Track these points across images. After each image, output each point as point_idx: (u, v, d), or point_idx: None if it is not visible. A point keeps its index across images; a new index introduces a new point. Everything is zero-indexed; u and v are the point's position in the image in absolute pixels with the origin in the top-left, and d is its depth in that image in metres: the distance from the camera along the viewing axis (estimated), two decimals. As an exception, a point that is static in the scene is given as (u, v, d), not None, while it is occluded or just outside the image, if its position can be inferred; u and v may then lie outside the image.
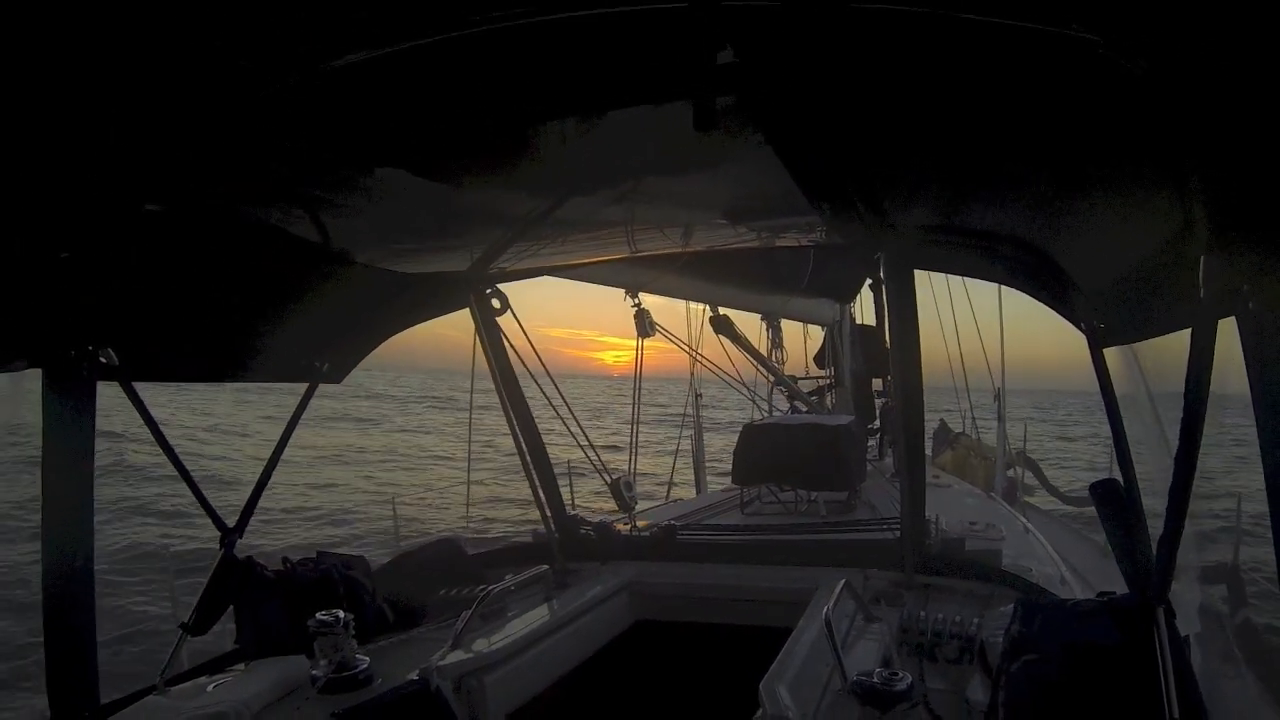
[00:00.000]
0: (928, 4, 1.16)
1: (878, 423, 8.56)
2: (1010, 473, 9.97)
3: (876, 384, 8.99)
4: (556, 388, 4.42)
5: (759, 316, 8.94)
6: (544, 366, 4.30)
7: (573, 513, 4.43)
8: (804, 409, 8.59)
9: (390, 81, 1.54)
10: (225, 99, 1.56)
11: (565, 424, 4.43)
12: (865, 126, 1.75)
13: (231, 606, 2.95)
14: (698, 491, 8.95)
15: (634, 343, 6.10)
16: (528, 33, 1.33)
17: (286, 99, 1.55)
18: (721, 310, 7.46)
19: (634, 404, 6.21)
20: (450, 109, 1.78)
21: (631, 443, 5.69)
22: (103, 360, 2.50)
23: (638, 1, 1.21)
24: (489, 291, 3.92)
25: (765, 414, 8.47)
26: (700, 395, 9.37)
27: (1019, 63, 1.28)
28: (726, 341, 7.58)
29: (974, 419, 11.34)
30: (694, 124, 1.19)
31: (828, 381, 8.94)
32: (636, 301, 5.43)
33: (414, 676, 2.63)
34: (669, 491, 9.32)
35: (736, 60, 1.27)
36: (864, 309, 9.24)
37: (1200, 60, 1.11)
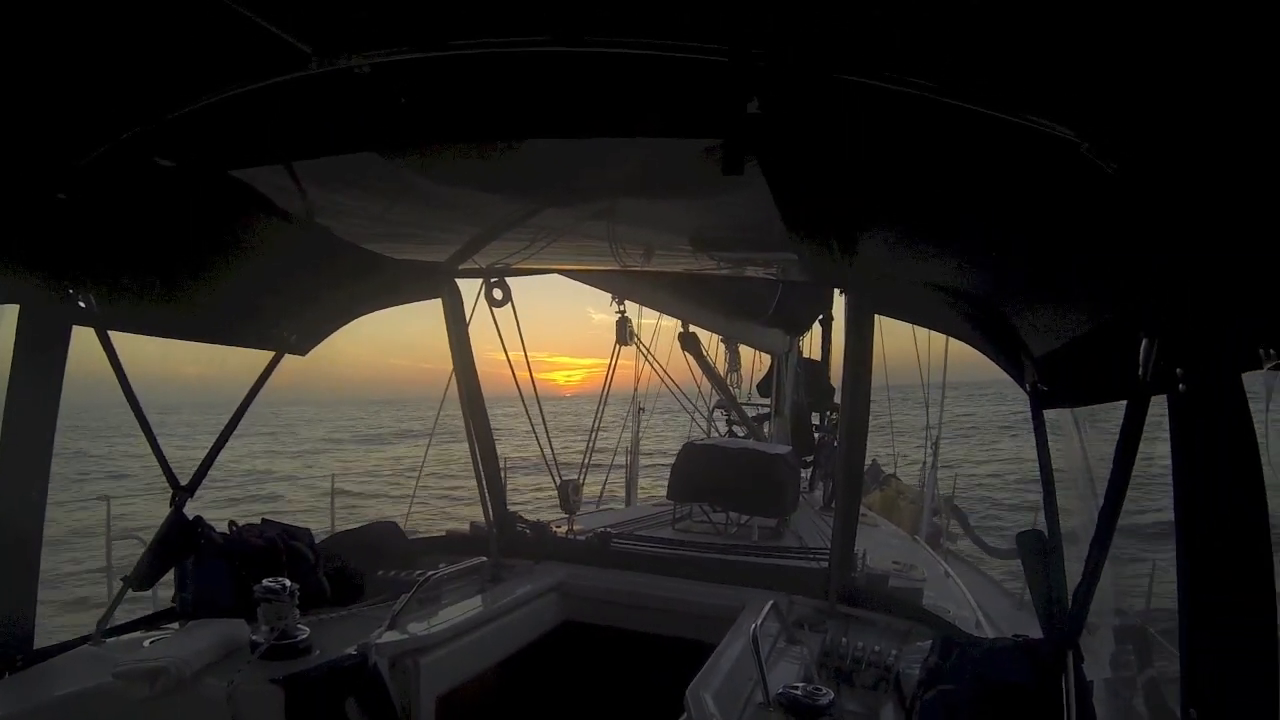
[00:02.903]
0: (931, 89, 1.32)
1: (811, 456, 8.73)
2: (936, 519, 10.26)
3: (814, 418, 9.20)
4: (535, 388, 4.53)
5: (719, 339, 9.09)
6: (526, 359, 4.46)
7: (511, 510, 4.51)
8: (742, 434, 8.74)
9: (410, 82, 1.64)
10: (250, 76, 1.64)
11: (532, 426, 4.53)
12: (856, 183, 1.90)
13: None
14: (628, 504, 9.03)
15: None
16: (565, 59, 1.45)
17: (309, 85, 1.63)
18: (691, 328, 7.63)
19: (598, 408, 6.29)
20: (458, 115, 1.88)
21: (588, 447, 5.76)
22: (81, 305, 2.51)
23: (681, 49, 1.34)
24: (493, 282, 4.00)
25: (705, 434, 8.59)
26: (643, 409, 9.49)
27: (1005, 149, 1.44)
28: (685, 359, 7.75)
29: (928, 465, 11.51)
30: (723, 169, 1.31)
31: (768, 410, 9.10)
32: (621, 308, 5.51)
33: (353, 651, 2.67)
34: (599, 500, 9.38)
35: (760, 111, 1.40)
36: (812, 343, 9.48)
37: (1162, 169, 1.28)
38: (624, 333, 5.74)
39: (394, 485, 27.71)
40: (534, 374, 4.52)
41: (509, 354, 4.26)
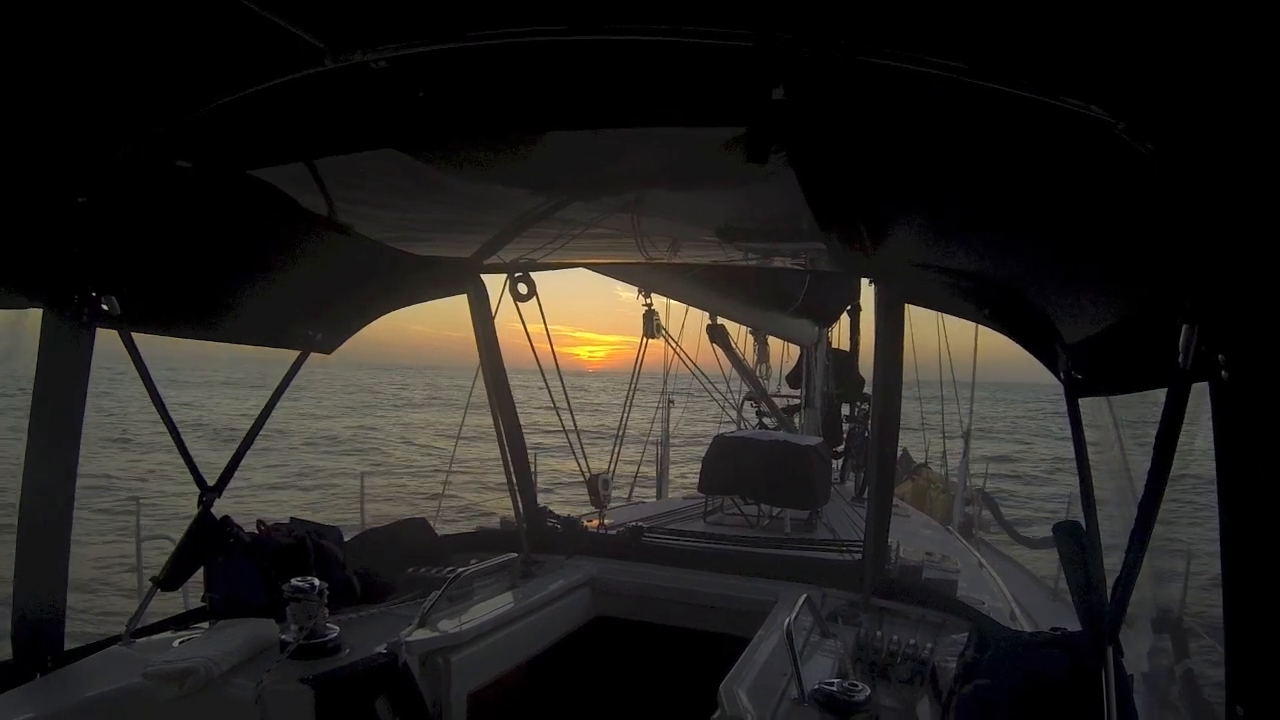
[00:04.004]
0: (960, 71, 1.27)
1: (841, 447, 8.67)
2: (968, 509, 10.16)
3: (843, 408, 9.12)
4: (561, 381, 4.48)
5: (747, 331, 9.05)
6: (553, 354, 4.38)
7: (542, 506, 4.50)
8: (772, 426, 8.69)
9: (427, 76, 1.61)
10: (265, 74, 1.62)
11: (559, 415, 4.48)
12: (885, 169, 1.85)
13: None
14: (658, 497, 9.01)
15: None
16: (585, 48, 1.42)
17: (325, 82, 1.61)
18: (719, 320, 7.59)
19: (626, 402, 6.28)
20: (478, 108, 1.85)
21: (617, 438, 5.74)
22: (105, 308, 2.51)
23: (704, 35, 1.30)
24: (516, 277, 3.97)
25: (736, 426, 8.55)
26: (672, 402, 9.46)
27: (1037, 131, 1.39)
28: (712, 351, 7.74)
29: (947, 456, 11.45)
30: (747, 156, 1.27)
31: (798, 401, 9.04)
32: (647, 301, 5.50)
33: (382, 649, 2.67)
34: (630, 493, 9.37)
35: (785, 98, 1.36)
36: (840, 333, 9.40)
37: (1201, 148, 1.22)
38: (651, 326, 5.71)
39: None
40: (557, 349, 4.45)
41: (534, 345, 4.23)
